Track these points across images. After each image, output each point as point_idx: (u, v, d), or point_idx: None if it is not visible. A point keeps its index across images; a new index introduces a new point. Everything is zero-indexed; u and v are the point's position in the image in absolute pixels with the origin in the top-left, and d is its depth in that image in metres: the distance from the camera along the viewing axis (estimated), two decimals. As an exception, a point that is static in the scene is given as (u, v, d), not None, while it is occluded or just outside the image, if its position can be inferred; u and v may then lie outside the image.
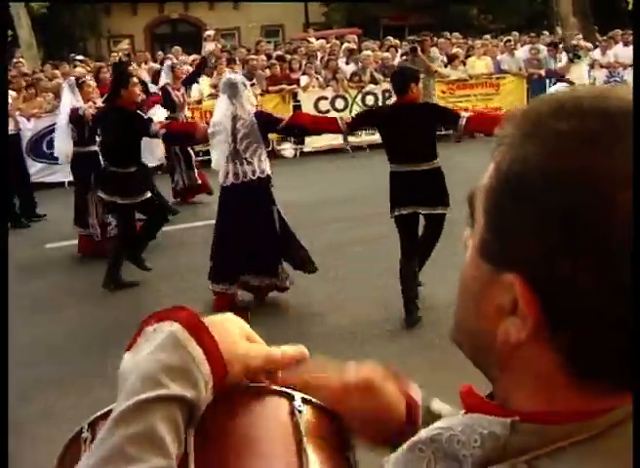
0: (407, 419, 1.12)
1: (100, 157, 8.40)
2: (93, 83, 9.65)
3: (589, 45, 18.58)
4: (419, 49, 14.75)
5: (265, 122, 6.72)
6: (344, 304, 6.98)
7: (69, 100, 9.16)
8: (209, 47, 18.85)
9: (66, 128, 9.14)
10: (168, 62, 12.77)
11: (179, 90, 11.62)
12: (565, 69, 17.04)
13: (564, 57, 17.55)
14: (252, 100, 6.83)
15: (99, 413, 1.01)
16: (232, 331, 0.91)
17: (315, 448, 0.95)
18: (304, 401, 1.02)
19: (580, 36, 19.38)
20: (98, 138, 8.95)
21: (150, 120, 7.69)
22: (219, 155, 6.65)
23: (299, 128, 7.00)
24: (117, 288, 7.83)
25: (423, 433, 0.86)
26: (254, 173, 6.62)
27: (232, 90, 6.59)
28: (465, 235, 0.89)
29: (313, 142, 15.76)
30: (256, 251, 6.73)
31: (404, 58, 17.30)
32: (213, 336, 0.87)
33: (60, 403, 5.48)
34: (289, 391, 1.00)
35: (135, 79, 8.10)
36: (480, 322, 0.83)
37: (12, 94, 12.54)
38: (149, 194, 7.92)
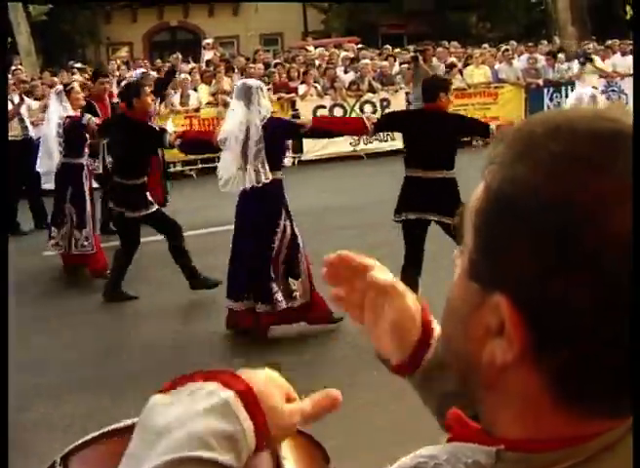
0: (423, 334, 1.17)
1: (85, 169, 8.46)
2: (79, 90, 9.35)
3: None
4: (420, 58, 14.78)
5: (284, 129, 6.59)
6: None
7: (57, 110, 8.88)
8: (208, 55, 19.00)
9: (55, 139, 8.85)
10: (137, 71, 12.60)
11: None
12: (578, 76, 17.12)
13: (574, 64, 17.59)
14: (267, 106, 6.53)
15: (72, 446, 0.97)
16: (275, 396, 0.88)
17: None
18: None
19: (591, 45, 19.34)
20: (87, 150, 8.89)
21: (164, 130, 7.47)
22: (228, 162, 6.43)
23: (324, 131, 6.90)
24: (117, 300, 7.69)
25: (408, 461, 0.85)
26: (262, 180, 6.36)
27: (247, 95, 6.33)
28: (455, 254, 0.88)
29: (310, 151, 15.80)
30: (252, 269, 6.43)
31: (403, 66, 17.36)
32: (262, 411, 0.85)
33: (57, 412, 5.45)
34: None
35: (147, 88, 7.87)
36: (467, 343, 0.82)
37: (24, 100, 12.43)
38: (156, 207, 7.74)
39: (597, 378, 0.75)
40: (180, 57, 13.25)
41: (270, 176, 6.34)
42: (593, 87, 13.33)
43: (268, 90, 15.78)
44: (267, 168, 6.29)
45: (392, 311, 1.16)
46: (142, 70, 12.60)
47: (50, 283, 8.64)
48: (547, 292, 0.74)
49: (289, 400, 0.90)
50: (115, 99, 11.57)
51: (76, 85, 9.50)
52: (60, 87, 9.37)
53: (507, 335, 0.77)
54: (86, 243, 8.63)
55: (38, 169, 9.60)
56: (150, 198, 7.63)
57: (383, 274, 1.18)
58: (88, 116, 8.69)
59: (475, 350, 0.81)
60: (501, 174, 0.78)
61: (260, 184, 6.30)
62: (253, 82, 6.75)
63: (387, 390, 4.45)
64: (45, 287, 8.52)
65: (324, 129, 6.79)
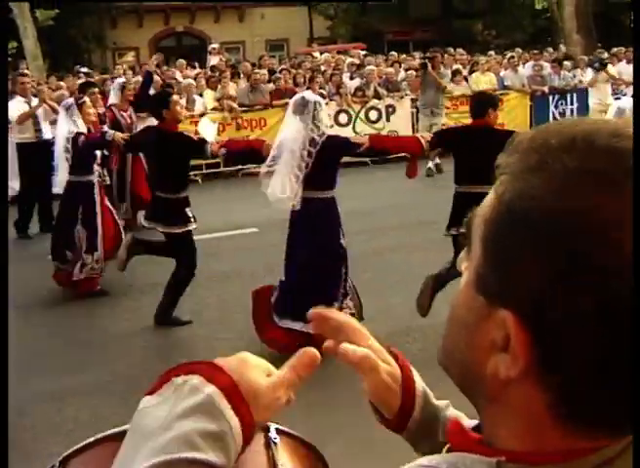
0: (403, 397, 1.14)
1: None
2: (91, 104, 8.81)
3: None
4: (429, 65, 14.81)
5: (341, 146, 6.39)
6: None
7: (65, 126, 8.33)
8: (213, 60, 19.04)
9: (64, 156, 8.26)
10: (119, 80, 12.19)
11: (126, 111, 11.09)
12: (592, 84, 17.14)
13: (589, 71, 17.63)
14: (325, 122, 6.34)
15: (70, 451, 0.98)
16: (256, 378, 0.88)
17: None
18: (279, 431, 1.02)
19: (607, 54, 19.37)
20: (96, 167, 8.44)
21: (204, 141, 7.16)
22: (281, 177, 6.14)
23: (381, 149, 6.83)
24: (171, 324, 7.08)
25: None
26: (318, 195, 6.20)
27: (305, 109, 6.12)
28: (461, 257, 0.87)
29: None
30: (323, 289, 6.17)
31: (409, 72, 17.39)
32: (248, 405, 0.85)
33: (59, 417, 5.45)
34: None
35: (175, 97, 7.51)
36: (470, 352, 0.82)
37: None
38: (193, 226, 7.18)
39: (599, 396, 0.75)
40: (155, 60, 12.97)
41: (323, 193, 6.20)
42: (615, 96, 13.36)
43: (271, 95, 15.85)
44: (300, 186, 6.09)
45: (368, 383, 1.13)
46: (122, 80, 12.23)
47: (52, 287, 8.62)
48: (554, 309, 0.73)
49: (268, 372, 0.91)
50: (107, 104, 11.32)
51: (88, 99, 8.92)
52: (70, 100, 8.73)
53: (512, 352, 0.77)
54: (96, 266, 8.21)
55: (58, 191, 8.70)
56: (190, 214, 7.16)
57: (355, 346, 1.10)
58: (111, 131, 8.19)
59: (479, 360, 0.80)
60: (513, 185, 0.77)
61: (313, 197, 6.11)
62: (312, 96, 6.48)
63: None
64: (47, 291, 8.46)
65: (381, 148, 6.73)
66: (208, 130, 8.09)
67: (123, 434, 0.87)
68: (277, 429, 1.02)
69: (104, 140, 7.92)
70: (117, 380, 5.95)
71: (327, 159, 6.11)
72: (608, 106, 15.72)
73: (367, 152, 6.63)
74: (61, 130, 8.40)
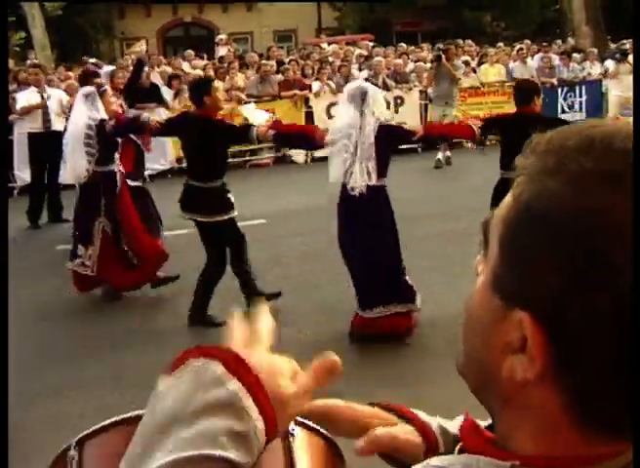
0: (425, 441, 1.09)
1: None
2: (112, 93, 8.48)
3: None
4: (443, 57, 14.77)
5: (396, 135, 6.45)
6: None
7: (84, 112, 7.81)
8: (221, 51, 19.02)
9: (82, 144, 7.73)
10: (107, 68, 11.88)
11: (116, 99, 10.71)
12: (614, 74, 17.04)
13: (609, 62, 17.53)
14: (381, 110, 6.37)
15: (86, 432, 0.98)
16: (282, 382, 0.87)
17: None
18: (297, 423, 1.01)
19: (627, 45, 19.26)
20: (117, 155, 8.01)
21: (249, 125, 6.98)
22: (336, 165, 6.23)
23: (437, 137, 6.93)
24: (203, 324, 6.76)
25: None
26: (370, 182, 6.16)
27: (361, 98, 6.10)
28: (477, 260, 0.87)
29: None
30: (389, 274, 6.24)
31: (417, 64, 17.34)
32: (271, 405, 0.84)
33: (63, 409, 5.42)
34: None
35: (216, 83, 7.27)
36: (487, 353, 0.82)
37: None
38: (235, 212, 6.95)
39: (616, 399, 0.75)
40: (144, 46, 12.67)
41: (375, 180, 6.17)
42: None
43: (280, 86, 15.83)
44: (375, 172, 6.12)
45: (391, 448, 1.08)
46: (111, 68, 11.92)
47: (59, 278, 8.62)
48: (571, 310, 0.73)
49: (294, 377, 0.90)
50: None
51: (109, 88, 8.57)
52: (90, 88, 8.16)
53: (529, 353, 0.77)
54: (87, 262, 7.77)
55: (65, 181, 8.39)
56: (232, 200, 6.88)
57: (371, 434, 1.06)
58: (146, 114, 7.80)
59: (494, 362, 0.81)
60: (531, 186, 0.78)
61: (367, 185, 6.12)
62: (368, 86, 6.51)
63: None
64: (54, 281, 8.42)
65: (436, 135, 6.80)
66: (257, 114, 7.71)
67: (138, 418, 0.86)
68: (295, 421, 1.00)
69: (141, 123, 7.33)
70: (123, 371, 5.96)
71: (382, 147, 6.11)
72: (629, 98, 15.64)
73: (422, 141, 6.67)
74: (79, 117, 7.85)
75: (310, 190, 11.54)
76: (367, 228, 6.18)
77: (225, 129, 6.96)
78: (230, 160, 14.35)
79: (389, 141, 6.26)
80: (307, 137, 6.74)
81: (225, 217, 6.81)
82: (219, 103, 7.04)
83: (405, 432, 1.08)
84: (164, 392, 0.83)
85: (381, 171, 6.20)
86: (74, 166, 7.81)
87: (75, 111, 8.06)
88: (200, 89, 6.96)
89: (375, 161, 6.06)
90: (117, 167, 7.93)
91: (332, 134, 6.28)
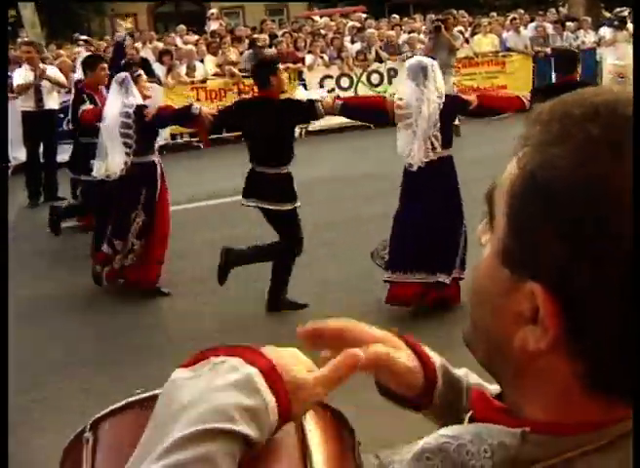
0: (424, 371, 1.09)
1: None
2: (146, 78, 7.78)
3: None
4: (442, 27, 14.67)
5: (455, 105, 6.45)
6: (355, 283, 7.01)
7: (119, 100, 7.23)
8: (213, 26, 18.88)
9: (118, 135, 7.17)
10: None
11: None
12: (610, 42, 16.94)
13: (606, 30, 17.42)
14: (441, 83, 6.38)
15: (102, 413, 0.97)
16: (298, 369, 0.88)
17: (319, 450, 0.93)
18: None
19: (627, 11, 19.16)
20: (157, 144, 7.54)
21: (312, 101, 6.75)
22: (405, 139, 6.24)
23: (490, 108, 6.81)
24: (285, 307, 6.62)
25: (431, 441, 0.85)
26: (437, 155, 6.20)
27: (422, 73, 6.16)
28: (480, 229, 0.87)
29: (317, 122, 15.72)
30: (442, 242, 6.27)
31: (411, 35, 17.23)
32: (286, 389, 0.85)
33: (67, 391, 5.40)
34: None
35: (280, 65, 6.98)
36: (495, 323, 0.82)
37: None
38: (299, 203, 6.70)
39: (626, 364, 0.76)
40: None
41: (442, 152, 6.22)
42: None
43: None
44: (440, 143, 6.18)
45: (387, 374, 1.08)
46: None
47: (61, 253, 8.62)
48: (578, 277, 0.74)
49: (311, 368, 0.91)
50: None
51: (142, 73, 7.82)
52: (124, 74, 7.44)
53: (542, 323, 0.77)
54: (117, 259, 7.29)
55: (99, 175, 7.52)
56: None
57: (370, 349, 1.03)
58: (197, 105, 7.37)
59: (505, 332, 0.81)
60: (536, 156, 0.78)
61: (434, 159, 6.16)
62: (427, 60, 6.52)
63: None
64: (59, 262, 8.42)
65: (490, 106, 6.74)
66: (312, 91, 7.42)
67: (152, 399, 0.87)
68: None
69: (191, 114, 6.89)
70: (128, 352, 5.95)
71: (446, 118, 6.24)
72: (625, 67, 15.56)
73: (477, 111, 6.60)
74: (114, 107, 7.29)
75: (307, 163, 11.53)
76: (433, 198, 6.20)
77: (293, 107, 6.79)
78: (225, 134, 14.40)
79: (452, 112, 6.41)
80: (378, 109, 6.57)
81: (292, 207, 6.62)
82: (283, 84, 6.91)
83: (408, 359, 1.08)
84: (183, 381, 0.85)
85: (447, 141, 6.27)
86: (113, 160, 7.28)
87: (109, 103, 7.49)
88: (267, 69, 6.71)
89: (439, 132, 6.14)
90: (156, 157, 7.46)
91: (400, 108, 6.25)
